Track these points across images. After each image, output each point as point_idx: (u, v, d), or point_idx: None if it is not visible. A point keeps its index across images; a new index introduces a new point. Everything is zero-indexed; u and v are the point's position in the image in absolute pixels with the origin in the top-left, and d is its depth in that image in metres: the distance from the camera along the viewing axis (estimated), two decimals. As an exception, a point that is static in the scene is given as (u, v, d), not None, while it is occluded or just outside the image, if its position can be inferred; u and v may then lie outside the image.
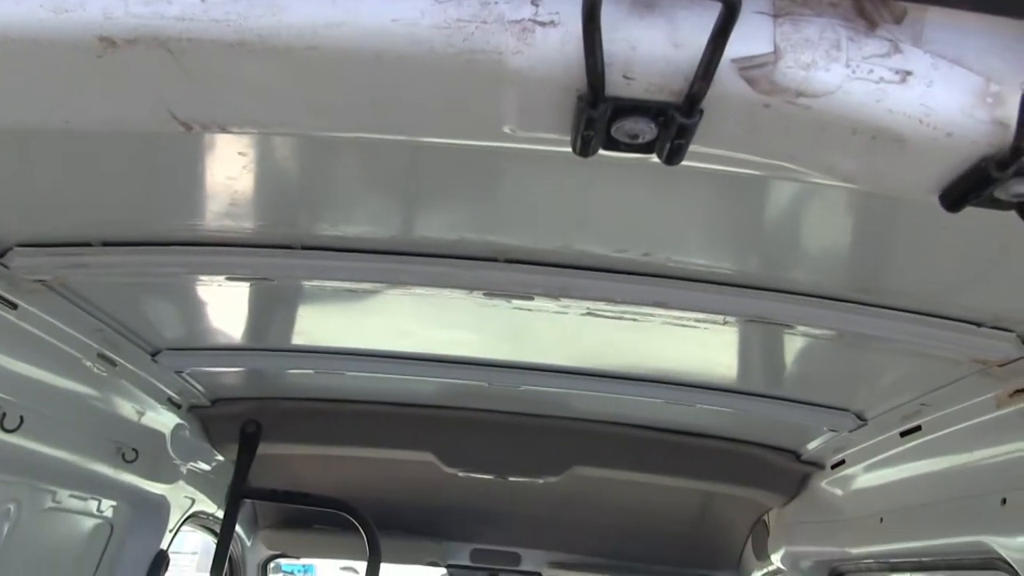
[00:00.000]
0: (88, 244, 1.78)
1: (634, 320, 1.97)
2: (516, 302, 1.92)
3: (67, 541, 2.70)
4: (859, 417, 2.41)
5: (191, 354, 2.55)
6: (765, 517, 3.54)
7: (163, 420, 2.81)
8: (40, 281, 1.88)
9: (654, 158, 1.01)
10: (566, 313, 1.96)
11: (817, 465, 2.91)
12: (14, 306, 1.89)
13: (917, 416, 2.18)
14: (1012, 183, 0.95)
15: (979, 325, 1.72)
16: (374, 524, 3.10)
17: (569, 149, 1.01)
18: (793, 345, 2.16)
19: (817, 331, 1.91)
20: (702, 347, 2.24)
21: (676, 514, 3.95)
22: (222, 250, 1.80)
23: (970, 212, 1.04)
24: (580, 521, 4.07)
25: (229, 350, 2.58)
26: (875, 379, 2.22)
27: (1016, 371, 1.77)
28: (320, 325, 2.42)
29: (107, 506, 2.78)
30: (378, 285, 1.96)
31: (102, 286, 2.01)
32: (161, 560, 3.03)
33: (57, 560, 2.67)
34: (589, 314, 1.95)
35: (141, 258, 1.81)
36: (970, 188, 0.99)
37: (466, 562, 4.34)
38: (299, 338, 2.54)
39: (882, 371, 2.15)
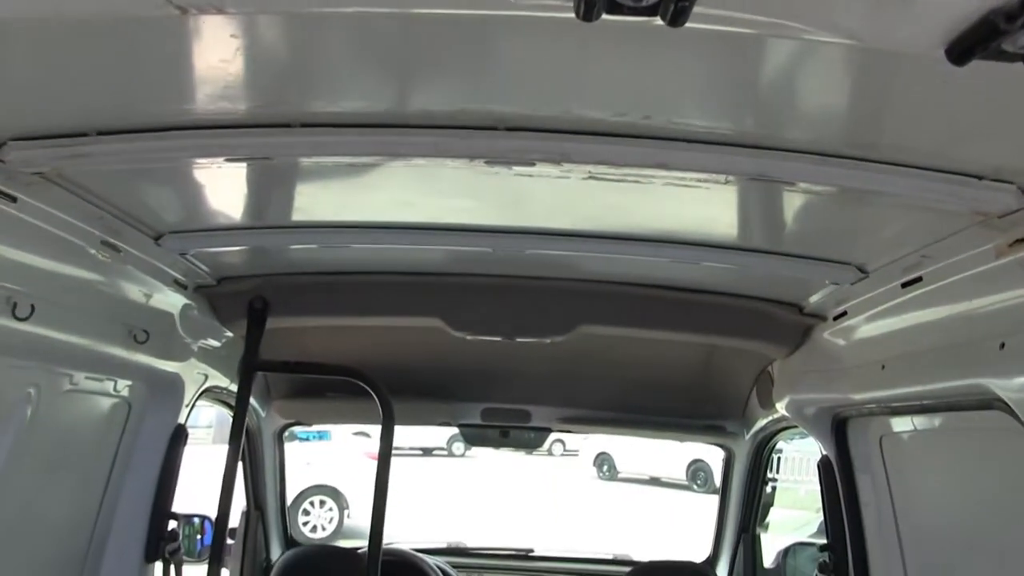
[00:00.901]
0: (84, 134, 1.76)
1: (636, 183, 1.97)
2: (517, 169, 1.91)
3: (88, 421, 2.77)
4: (860, 270, 2.43)
5: (194, 236, 2.55)
6: (769, 368, 3.61)
7: (171, 301, 2.84)
8: (38, 174, 1.87)
9: (657, 20, 0.99)
10: (568, 178, 1.96)
11: (819, 317, 2.95)
12: (13, 199, 1.89)
13: (918, 267, 2.20)
14: (1020, 35, 0.94)
15: (980, 178, 1.71)
16: (385, 388, 3.15)
17: (572, 14, 0.99)
18: (794, 202, 2.16)
19: (818, 188, 1.91)
20: (704, 207, 2.24)
21: (682, 368, 4.03)
22: (220, 132, 1.78)
23: (973, 66, 1.03)
24: (588, 378, 4.16)
25: (232, 230, 2.59)
26: (876, 233, 2.23)
27: (1016, 222, 1.78)
28: (322, 201, 2.42)
29: (123, 386, 2.84)
30: (378, 158, 1.95)
31: (101, 175, 2.00)
32: (180, 434, 3.12)
33: (80, 439, 2.75)
34: (591, 178, 1.94)
35: (138, 145, 1.80)
36: (977, 41, 0.98)
37: (477, 421, 4.46)
38: (302, 214, 2.54)
39: (883, 225, 2.16)
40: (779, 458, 5.12)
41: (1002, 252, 1.86)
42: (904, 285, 2.30)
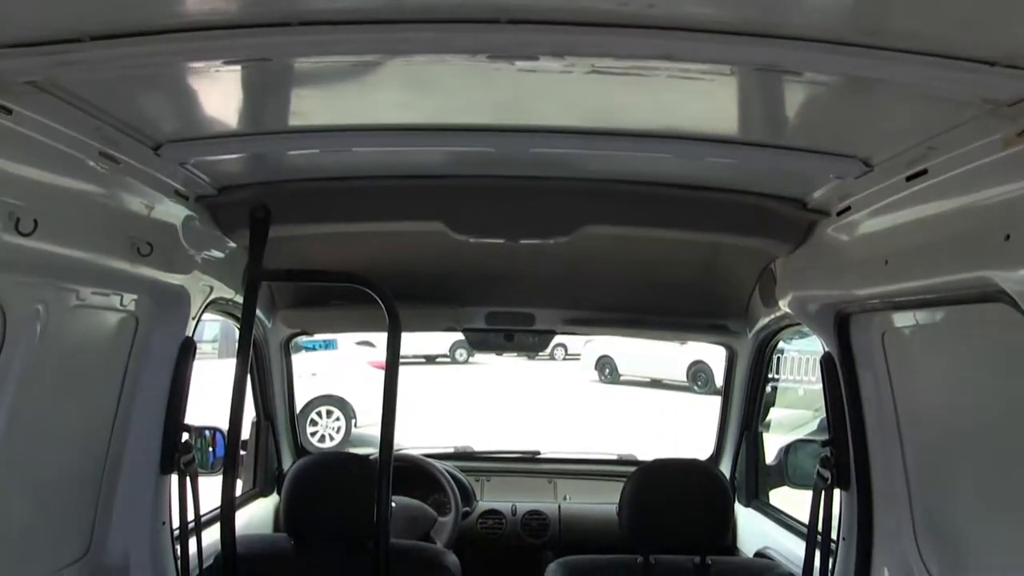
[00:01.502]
0: (77, 40, 1.73)
1: (640, 75, 1.95)
2: (520, 63, 1.89)
3: (97, 336, 2.79)
4: (865, 163, 2.42)
5: (193, 144, 2.53)
6: (772, 266, 3.62)
7: (173, 212, 2.83)
8: (31, 83, 1.85)
9: None
10: (571, 73, 1.93)
11: (823, 213, 2.94)
12: (8, 111, 1.87)
13: (923, 160, 2.18)
14: None
15: (991, 64, 1.68)
16: (390, 294, 3.16)
17: None
18: (799, 93, 2.13)
19: (824, 77, 1.88)
20: (708, 100, 2.22)
21: (685, 268, 4.04)
22: (216, 33, 1.75)
23: None
24: (591, 279, 4.17)
25: (231, 137, 2.56)
26: (882, 124, 2.21)
27: None
28: (322, 103, 2.40)
29: (129, 300, 2.85)
30: (379, 56, 1.92)
31: (95, 83, 1.97)
32: (188, 346, 3.15)
33: (90, 355, 2.78)
34: (594, 72, 1.92)
35: (133, 49, 1.76)
36: None
37: (482, 325, 4.49)
38: (301, 118, 2.51)
39: (889, 116, 2.14)
40: (779, 358, 5.19)
41: (1010, 142, 1.85)
42: (909, 178, 2.29)
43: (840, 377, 3.13)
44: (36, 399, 2.42)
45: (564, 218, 3.15)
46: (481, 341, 4.84)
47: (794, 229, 3.09)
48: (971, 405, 2.61)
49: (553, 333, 4.68)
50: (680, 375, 22.86)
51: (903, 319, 2.83)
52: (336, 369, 14.96)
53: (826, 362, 3.20)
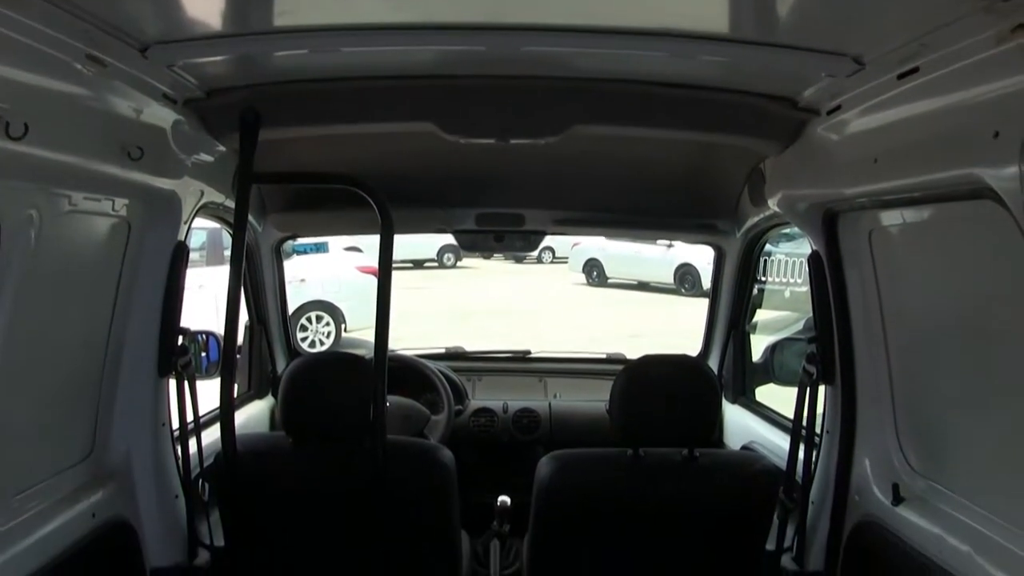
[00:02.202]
0: None
1: None
2: None
3: (90, 242, 2.80)
4: (856, 61, 2.41)
5: (181, 46, 2.50)
6: (761, 166, 3.63)
7: (162, 116, 2.81)
8: None
9: None
10: None
11: (813, 112, 2.94)
12: None
13: (915, 57, 2.18)
14: None
15: None
16: (382, 195, 3.16)
17: None
18: None
19: None
20: None
21: (676, 167, 4.04)
22: None
23: None
24: (582, 180, 4.18)
25: (219, 38, 2.53)
26: (874, 21, 2.20)
27: (1020, 6, 1.76)
28: (310, 2, 2.37)
29: (121, 205, 2.85)
30: None
31: None
32: (181, 251, 3.16)
33: (85, 261, 2.79)
34: None
35: None
36: None
37: (472, 226, 4.51)
38: (289, 18, 2.48)
39: (882, 12, 2.12)
40: (767, 261, 5.24)
41: (1003, 38, 1.85)
42: (900, 76, 2.29)
43: (827, 275, 3.17)
44: (34, 305, 2.44)
45: (555, 118, 3.13)
46: (471, 242, 4.87)
47: (784, 128, 3.09)
48: (954, 303, 2.66)
49: (543, 233, 4.70)
50: (668, 278, 23.00)
51: (890, 218, 2.86)
52: (325, 275, 15.00)
53: (813, 260, 3.24)
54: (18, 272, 2.33)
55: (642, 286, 23.63)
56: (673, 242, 22.29)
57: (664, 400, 3.19)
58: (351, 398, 3.05)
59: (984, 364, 2.51)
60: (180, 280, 3.15)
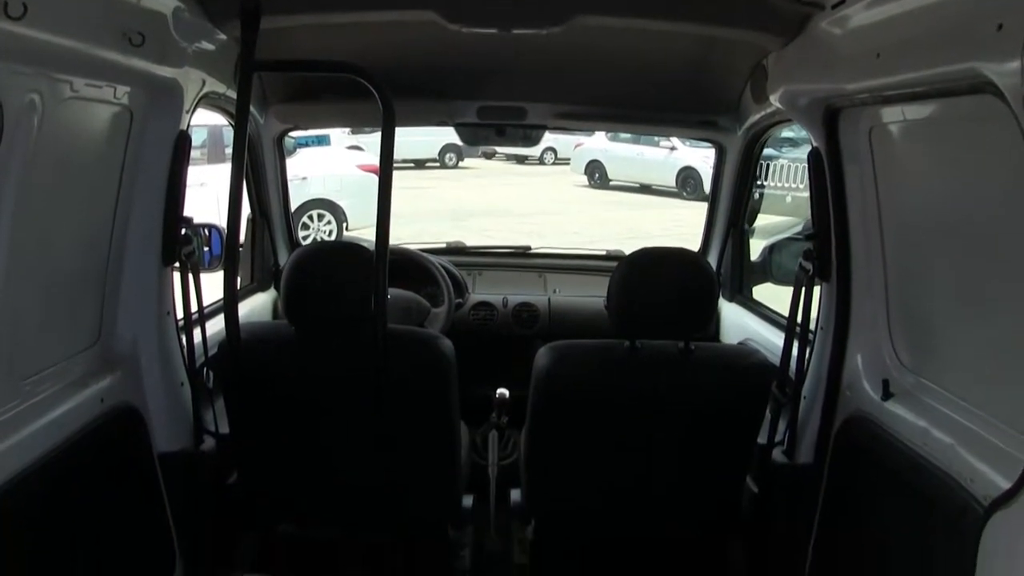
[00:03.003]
0: None
1: None
2: None
3: (93, 129, 2.81)
4: None
5: None
6: (764, 61, 3.60)
7: (163, 2, 2.79)
8: None
9: None
10: None
11: (817, 6, 2.90)
12: None
13: None
14: None
15: None
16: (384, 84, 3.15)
17: None
18: None
19: None
20: None
21: (678, 62, 4.01)
22: None
23: None
24: (583, 73, 4.15)
25: None
26: None
27: None
28: None
29: (123, 93, 2.85)
30: None
31: None
32: (183, 140, 3.17)
33: (88, 149, 2.81)
34: None
35: None
36: None
37: (474, 119, 4.50)
38: None
39: None
40: (770, 167, 5.22)
41: None
42: None
43: (826, 172, 3.18)
44: (38, 192, 2.46)
45: (557, 7, 3.11)
46: (473, 135, 4.86)
47: (788, 22, 3.06)
48: (951, 202, 2.67)
49: (544, 128, 4.69)
50: (670, 181, 22.94)
51: (891, 115, 2.85)
52: (326, 173, 14.97)
53: (813, 157, 3.24)
54: (22, 158, 2.34)
55: (644, 189, 23.58)
56: (676, 145, 22.23)
57: (661, 291, 3.23)
58: (353, 286, 3.08)
59: (977, 263, 2.54)
60: (183, 169, 3.17)
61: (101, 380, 2.98)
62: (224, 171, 3.36)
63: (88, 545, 2.80)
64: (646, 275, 3.30)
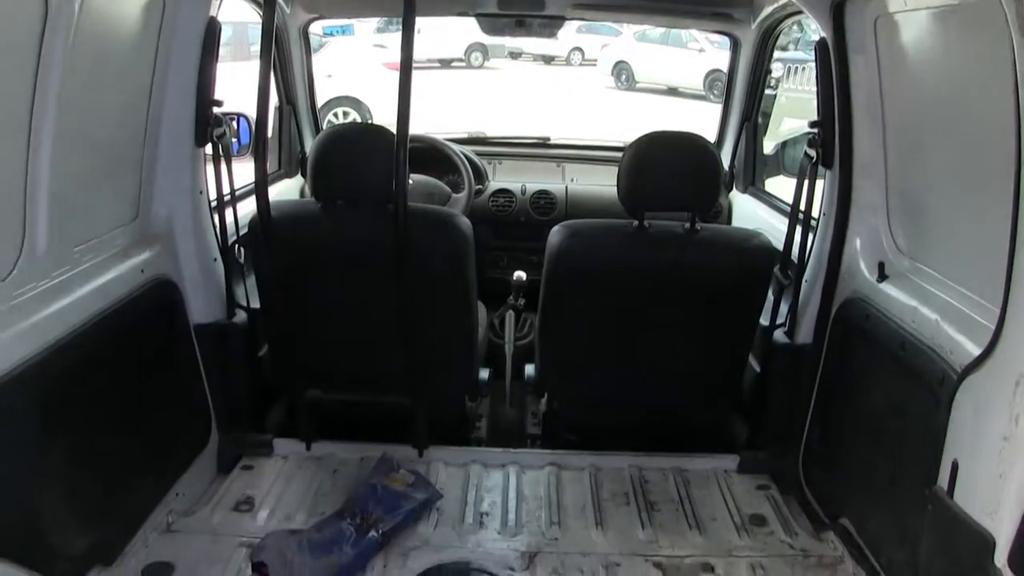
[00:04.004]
0: None
1: None
2: None
3: (128, 16, 2.92)
4: None
5: None
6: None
7: None
8: None
9: None
10: None
11: None
12: None
13: None
14: None
15: None
16: None
17: None
18: None
19: None
20: None
21: None
22: None
23: None
24: None
25: None
26: None
27: None
28: None
29: None
30: None
31: None
32: (213, 26, 3.29)
33: (123, 33, 2.93)
34: None
35: None
36: None
37: (494, 9, 4.56)
38: None
39: None
40: (790, 69, 5.24)
41: None
42: None
43: (832, 61, 3.26)
44: (79, 76, 2.60)
45: None
46: (492, 26, 4.93)
47: None
48: (950, 90, 2.76)
49: (562, 19, 4.74)
50: (697, 83, 22.61)
51: (896, 4, 2.92)
52: (352, 70, 14.95)
53: (820, 47, 3.32)
54: (64, 44, 2.48)
55: (671, 91, 23.28)
56: (704, 47, 21.89)
57: (666, 168, 3.34)
58: (376, 164, 3.19)
59: (971, 152, 2.64)
60: (213, 53, 3.30)
61: (141, 253, 3.18)
62: (248, 68, 3.46)
63: (134, 405, 3.03)
64: (653, 154, 3.39)
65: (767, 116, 5.16)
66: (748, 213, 4.78)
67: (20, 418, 2.36)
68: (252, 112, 3.32)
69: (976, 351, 2.33)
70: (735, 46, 4.95)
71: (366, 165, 3.24)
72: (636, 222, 3.45)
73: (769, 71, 4.94)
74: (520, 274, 4.55)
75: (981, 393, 2.28)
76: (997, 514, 2.10)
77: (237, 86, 3.67)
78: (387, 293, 3.24)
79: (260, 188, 3.16)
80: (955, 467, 2.31)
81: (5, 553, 2.24)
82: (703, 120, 4.89)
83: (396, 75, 2.98)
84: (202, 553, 2.99)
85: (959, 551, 2.22)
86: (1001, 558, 2.07)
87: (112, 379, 2.89)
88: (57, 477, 2.54)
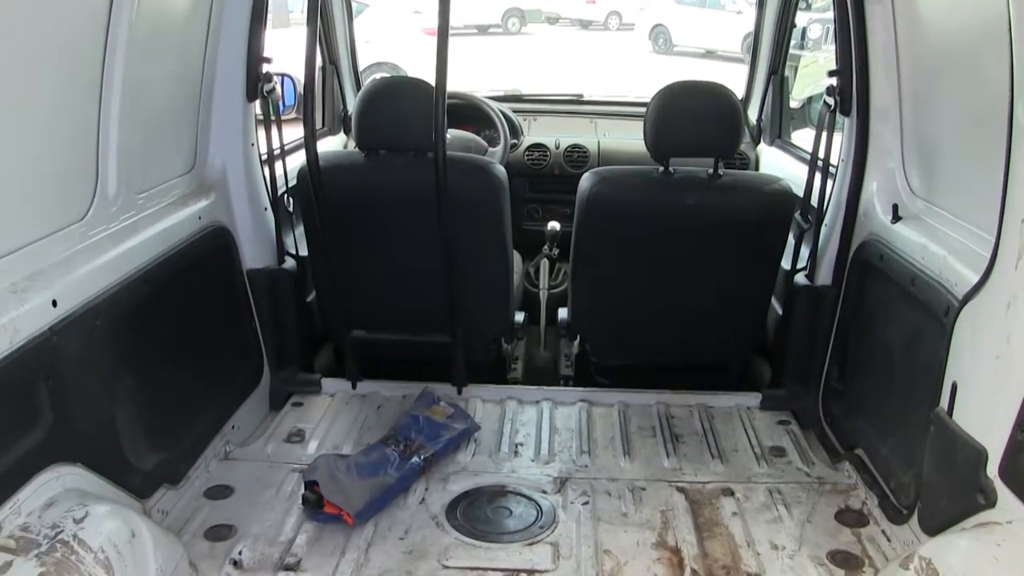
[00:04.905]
0: None
1: None
2: None
3: None
4: None
5: None
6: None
7: None
8: None
9: None
10: None
11: None
12: None
13: None
14: None
15: None
16: None
17: None
18: None
19: None
20: None
21: None
22: None
23: None
24: None
25: None
26: None
27: None
28: None
29: None
30: None
31: None
32: None
33: (180, 5, 3.15)
34: None
35: None
36: None
37: None
38: None
39: None
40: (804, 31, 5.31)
41: None
42: None
43: (850, 11, 3.37)
44: (143, 39, 2.81)
45: None
46: None
47: None
48: (964, 36, 2.86)
49: None
50: (735, 46, 22.39)
51: None
52: (390, 36, 15.09)
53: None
54: (129, 11, 2.70)
55: (709, 54, 23.11)
56: (742, 9, 21.69)
57: (689, 113, 3.49)
58: (417, 115, 3.37)
59: (983, 98, 2.69)
60: (263, 13, 3.51)
61: (198, 201, 3.41)
62: (288, 35, 3.62)
63: (193, 341, 3.27)
64: (676, 102, 3.55)
65: (794, 71, 5.26)
66: (775, 164, 4.90)
67: (99, 341, 2.60)
68: (296, 73, 3.48)
69: (975, 280, 2.46)
70: (761, 1, 5.05)
71: (408, 114, 3.43)
72: (661, 168, 3.61)
73: (794, 24, 5.03)
74: (554, 224, 4.72)
75: (978, 318, 2.42)
76: (990, 429, 2.24)
77: (280, 51, 3.86)
78: (428, 237, 3.42)
79: (309, 140, 3.35)
80: (954, 388, 2.46)
81: (85, 462, 2.47)
82: (740, 84, 5.00)
83: (434, 40, 3.10)
84: (258, 477, 3.23)
85: (956, 466, 2.36)
86: (993, 470, 2.20)
87: (174, 316, 3.12)
88: (130, 400, 2.77)
